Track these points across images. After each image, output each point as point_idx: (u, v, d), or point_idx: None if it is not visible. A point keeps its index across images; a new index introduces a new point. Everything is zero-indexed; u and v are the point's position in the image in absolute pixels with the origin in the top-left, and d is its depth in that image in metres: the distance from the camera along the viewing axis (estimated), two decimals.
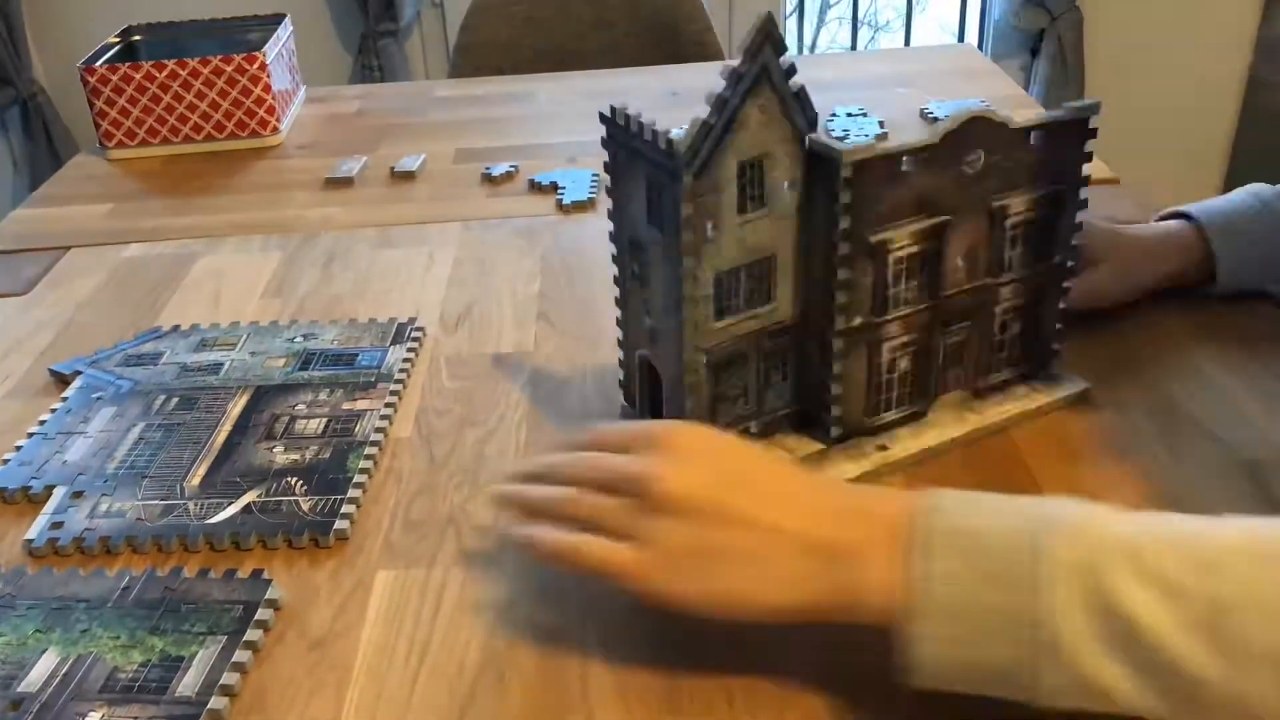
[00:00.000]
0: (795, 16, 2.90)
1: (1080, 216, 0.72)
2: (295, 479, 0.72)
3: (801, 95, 0.64)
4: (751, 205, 0.65)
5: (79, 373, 0.86)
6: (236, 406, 0.80)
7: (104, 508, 0.71)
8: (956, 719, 0.53)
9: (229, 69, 1.32)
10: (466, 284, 0.99)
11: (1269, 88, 2.50)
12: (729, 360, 0.69)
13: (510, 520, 0.62)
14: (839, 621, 0.53)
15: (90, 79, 1.31)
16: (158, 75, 1.31)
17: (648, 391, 0.74)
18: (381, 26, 2.40)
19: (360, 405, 0.80)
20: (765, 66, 0.62)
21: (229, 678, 0.57)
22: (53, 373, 0.87)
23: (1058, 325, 0.76)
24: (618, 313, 0.75)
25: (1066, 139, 0.69)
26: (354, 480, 0.72)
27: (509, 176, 1.21)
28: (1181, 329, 0.84)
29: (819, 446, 0.71)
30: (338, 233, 1.11)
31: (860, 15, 2.79)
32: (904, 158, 0.65)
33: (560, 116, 1.40)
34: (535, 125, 1.38)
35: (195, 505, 0.70)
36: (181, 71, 1.31)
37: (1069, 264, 0.73)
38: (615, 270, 0.73)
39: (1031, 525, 0.50)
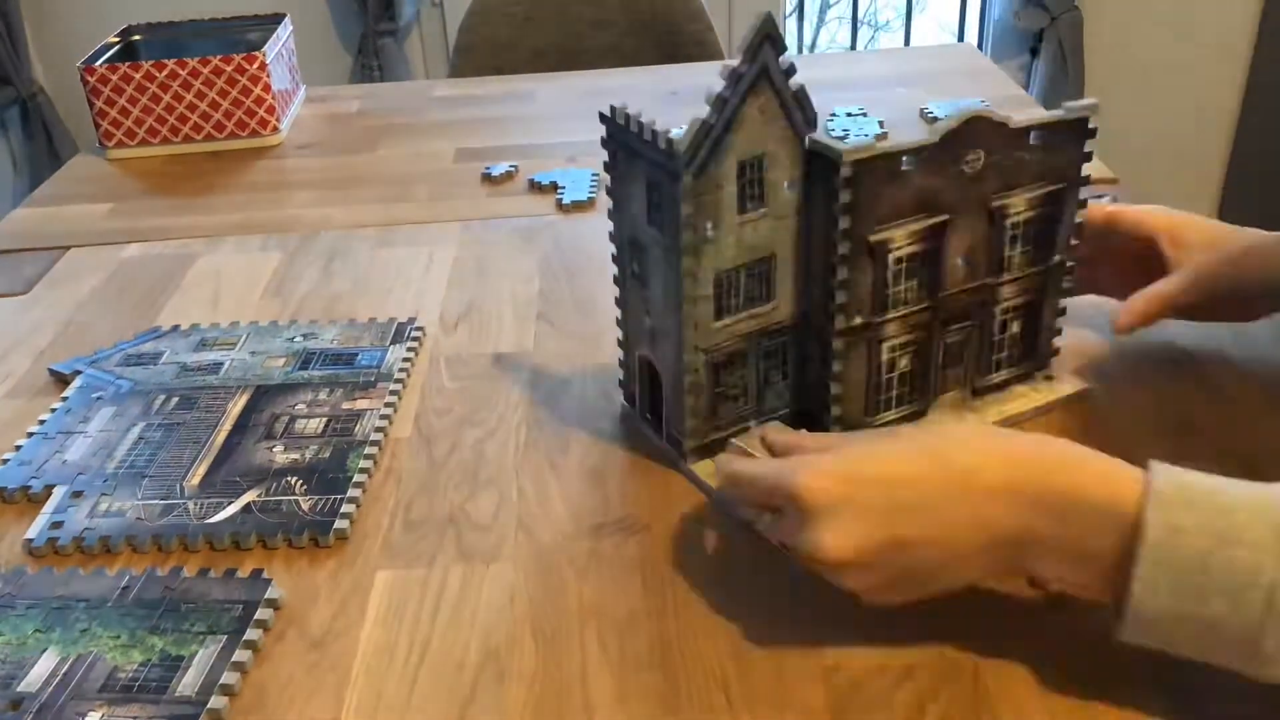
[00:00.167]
0: (795, 16, 2.90)
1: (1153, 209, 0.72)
2: (295, 479, 0.72)
3: (801, 95, 0.64)
4: (751, 205, 0.65)
5: (79, 372, 0.86)
6: (236, 406, 0.80)
7: (104, 507, 0.71)
8: (952, 715, 0.53)
9: (229, 69, 1.32)
10: (466, 284, 0.99)
11: (1268, 88, 2.50)
12: (729, 360, 0.69)
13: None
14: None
15: (90, 79, 1.31)
16: (157, 75, 1.31)
17: (648, 391, 0.74)
18: (381, 26, 2.40)
19: (360, 405, 0.80)
20: (765, 66, 0.62)
21: (229, 677, 0.57)
22: (52, 372, 0.87)
23: (1057, 325, 0.76)
24: (618, 313, 0.75)
25: (1066, 138, 0.70)
26: (354, 480, 0.72)
27: (509, 176, 1.21)
28: (1182, 330, 0.84)
29: None
30: (338, 233, 1.11)
31: (860, 15, 2.79)
32: (904, 157, 0.65)
33: (560, 116, 1.40)
34: (535, 125, 1.38)
35: (195, 505, 0.70)
36: (181, 71, 1.31)
37: (1068, 263, 0.73)
38: (615, 270, 0.74)
39: (1271, 493, 0.50)
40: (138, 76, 1.31)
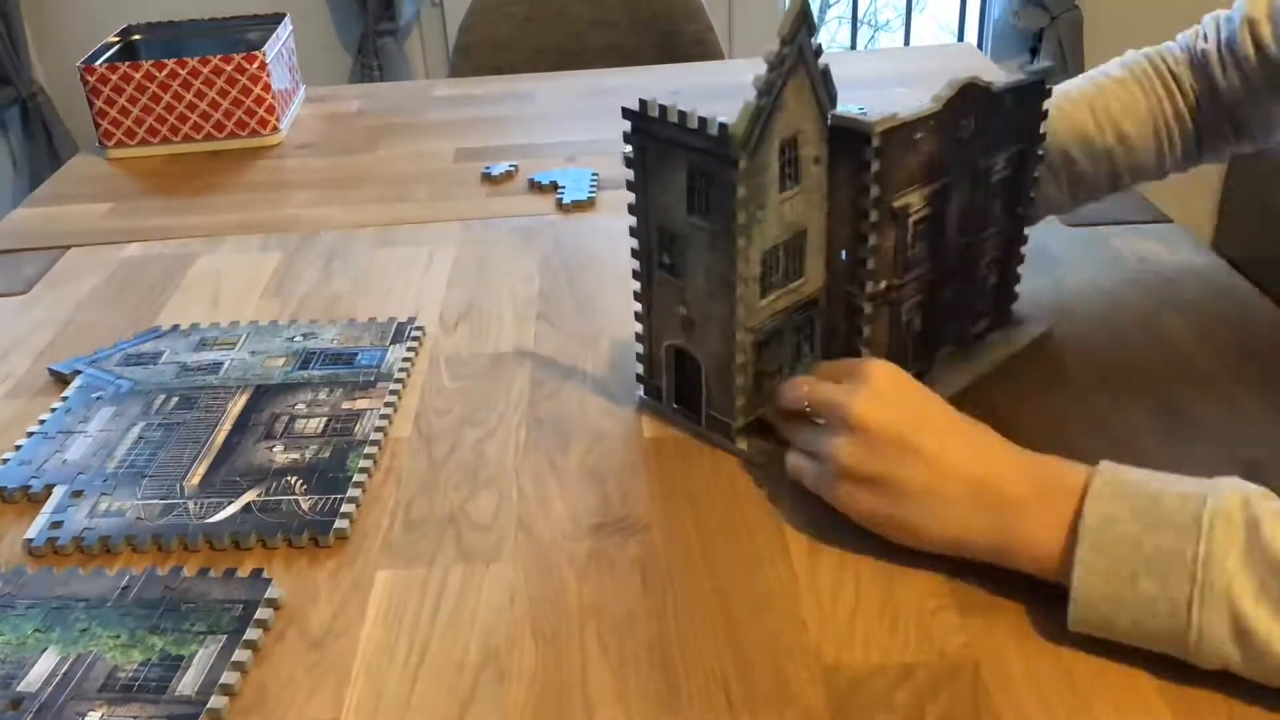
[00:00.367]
0: None
1: None
2: (295, 478, 0.72)
3: (827, 74, 0.67)
4: (789, 183, 0.68)
5: (79, 372, 0.86)
6: (236, 406, 0.80)
7: (104, 507, 0.71)
8: (952, 715, 0.53)
9: (229, 68, 1.32)
10: (466, 284, 0.99)
11: None
12: (768, 338, 0.71)
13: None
14: (994, 563, 0.59)
15: (90, 78, 1.31)
16: (157, 74, 1.31)
17: (674, 382, 0.75)
18: (381, 26, 2.40)
19: (360, 405, 0.80)
20: (801, 48, 0.65)
21: (229, 677, 0.57)
22: (52, 372, 0.87)
23: (1019, 272, 0.82)
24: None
25: (1030, 101, 0.76)
26: (354, 480, 0.72)
27: (508, 176, 1.21)
28: (1181, 329, 0.84)
29: None
30: (337, 232, 1.11)
31: (860, 15, 2.79)
32: (918, 125, 0.69)
33: (560, 116, 1.40)
34: (535, 125, 1.38)
35: (195, 505, 0.70)
36: (181, 71, 1.31)
37: (1028, 215, 0.80)
38: (631, 267, 0.74)
39: (1200, 487, 0.54)
40: (138, 76, 1.31)
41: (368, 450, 0.74)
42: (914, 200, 0.70)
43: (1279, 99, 0.83)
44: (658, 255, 0.72)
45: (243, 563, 0.66)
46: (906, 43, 2.83)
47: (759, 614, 0.60)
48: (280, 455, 0.75)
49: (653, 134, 0.69)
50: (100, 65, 1.32)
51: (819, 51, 0.66)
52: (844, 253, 0.71)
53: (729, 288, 0.67)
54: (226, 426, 0.78)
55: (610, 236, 1.03)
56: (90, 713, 0.56)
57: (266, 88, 1.33)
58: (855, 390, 0.63)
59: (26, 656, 0.59)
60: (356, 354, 0.86)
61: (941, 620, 0.59)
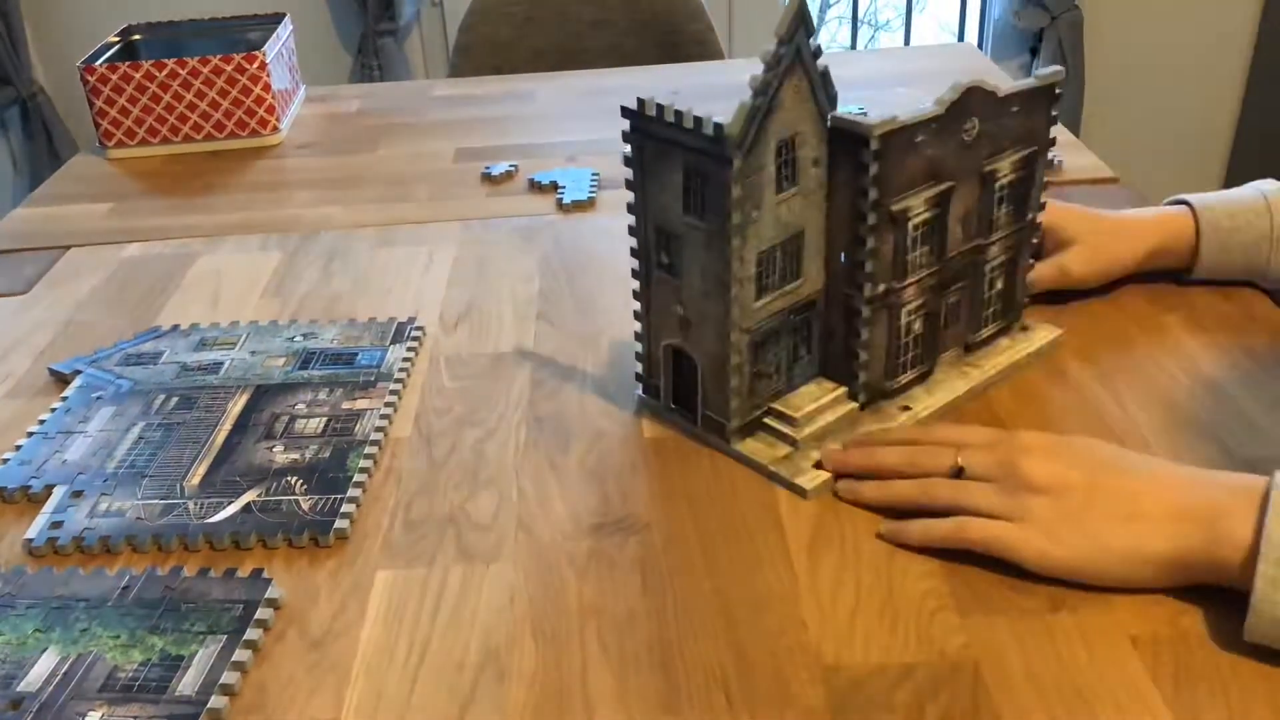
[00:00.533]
0: None
1: (1056, 204, 0.79)
2: (295, 478, 0.72)
3: (826, 75, 0.67)
4: (786, 184, 0.68)
5: (79, 372, 0.86)
6: (236, 406, 0.80)
7: (104, 507, 0.71)
8: (952, 715, 0.53)
9: (229, 68, 1.32)
10: (466, 284, 0.99)
11: (1268, 88, 2.50)
12: (764, 339, 0.71)
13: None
14: (1203, 580, 0.57)
15: (90, 78, 1.31)
16: (157, 74, 1.31)
17: (672, 382, 0.75)
18: (381, 26, 2.40)
19: (360, 405, 0.80)
20: (799, 48, 0.65)
21: (229, 677, 0.57)
22: (52, 372, 0.87)
23: (1028, 279, 0.82)
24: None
25: (1038, 105, 0.76)
26: (354, 480, 0.72)
27: (508, 176, 1.21)
28: (1181, 329, 0.84)
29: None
30: (337, 232, 1.11)
31: (860, 15, 2.79)
32: (918, 128, 0.69)
33: (560, 116, 1.40)
34: (535, 125, 1.38)
35: (195, 505, 0.70)
36: (181, 71, 1.31)
37: (1037, 221, 0.79)
38: (630, 266, 0.74)
39: None
40: (138, 76, 1.31)
41: (368, 450, 0.74)
42: (915, 203, 0.70)
43: None
44: (655, 255, 0.72)
45: (243, 563, 0.66)
46: (907, 42, 2.83)
47: (759, 614, 0.60)
48: (280, 455, 0.75)
49: (650, 133, 0.69)
50: (100, 65, 1.32)
51: (818, 53, 0.66)
52: (843, 255, 0.71)
53: (724, 288, 0.67)
54: (227, 426, 0.78)
55: (610, 236, 1.03)
56: (90, 713, 0.56)
57: (266, 88, 1.33)
58: (1015, 445, 0.63)
59: (26, 656, 0.59)
60: (356, 354, 0.86)
61: (941, 620, 0.59)
